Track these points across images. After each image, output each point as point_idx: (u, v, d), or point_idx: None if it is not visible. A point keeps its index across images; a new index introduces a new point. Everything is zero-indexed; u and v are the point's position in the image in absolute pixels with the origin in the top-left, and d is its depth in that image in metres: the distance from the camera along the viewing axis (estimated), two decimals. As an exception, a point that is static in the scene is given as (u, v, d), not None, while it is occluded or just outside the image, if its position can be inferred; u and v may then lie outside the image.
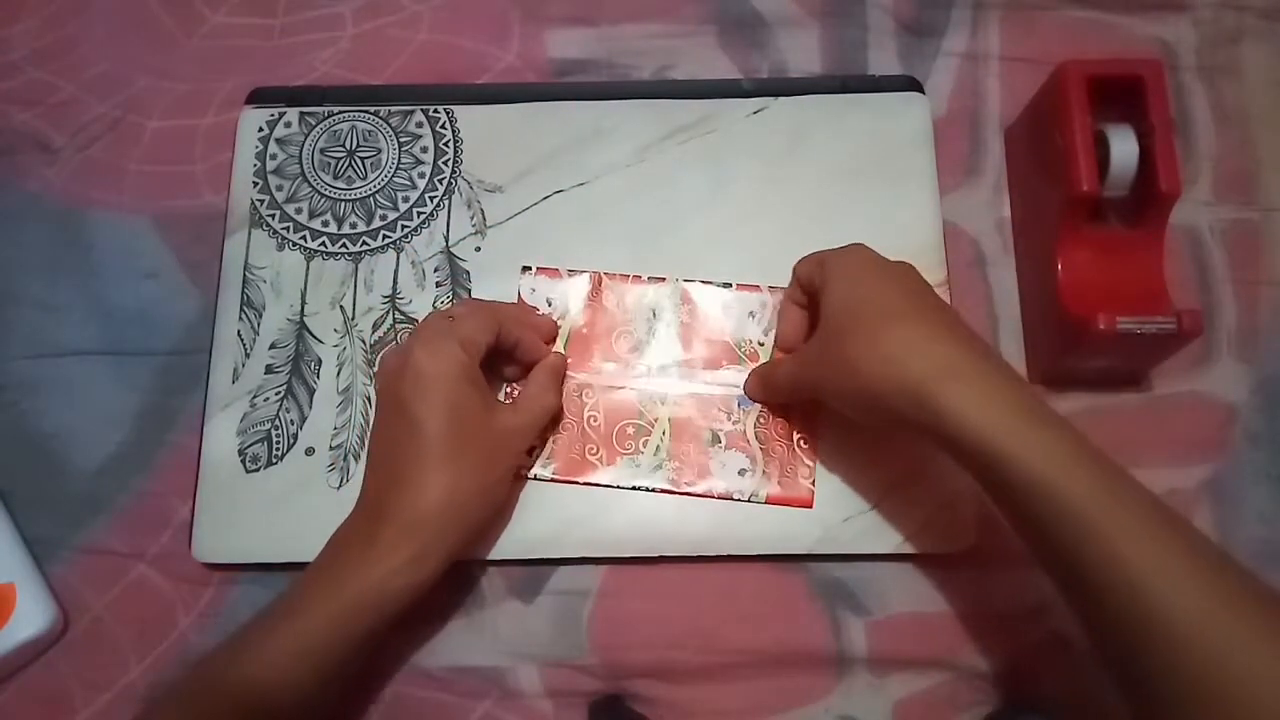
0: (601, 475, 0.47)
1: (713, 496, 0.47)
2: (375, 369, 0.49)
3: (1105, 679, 0.35)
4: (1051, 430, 0.36)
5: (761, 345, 0.49)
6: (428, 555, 0.40)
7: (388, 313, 0.50)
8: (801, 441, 0.47)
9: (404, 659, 0.46)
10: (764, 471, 0.47)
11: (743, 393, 0.48)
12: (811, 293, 0.45)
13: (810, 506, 0.46)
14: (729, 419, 0.48)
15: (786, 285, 0.48)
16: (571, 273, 0.50)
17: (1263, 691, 0.30)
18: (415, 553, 0.40)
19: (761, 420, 0.48)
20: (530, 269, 0.50)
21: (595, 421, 0.48)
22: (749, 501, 0.47)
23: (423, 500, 0.40)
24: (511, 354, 0.47)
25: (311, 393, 0.49)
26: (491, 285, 0.50)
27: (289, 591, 0.41)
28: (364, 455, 0.46)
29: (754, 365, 0.49)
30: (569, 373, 0.48)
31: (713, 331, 0.49)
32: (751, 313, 0.49)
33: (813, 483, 0.47)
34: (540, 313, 0.49)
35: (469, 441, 0.42)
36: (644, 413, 0.48)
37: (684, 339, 0.49)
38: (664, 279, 0.50)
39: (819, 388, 0.42)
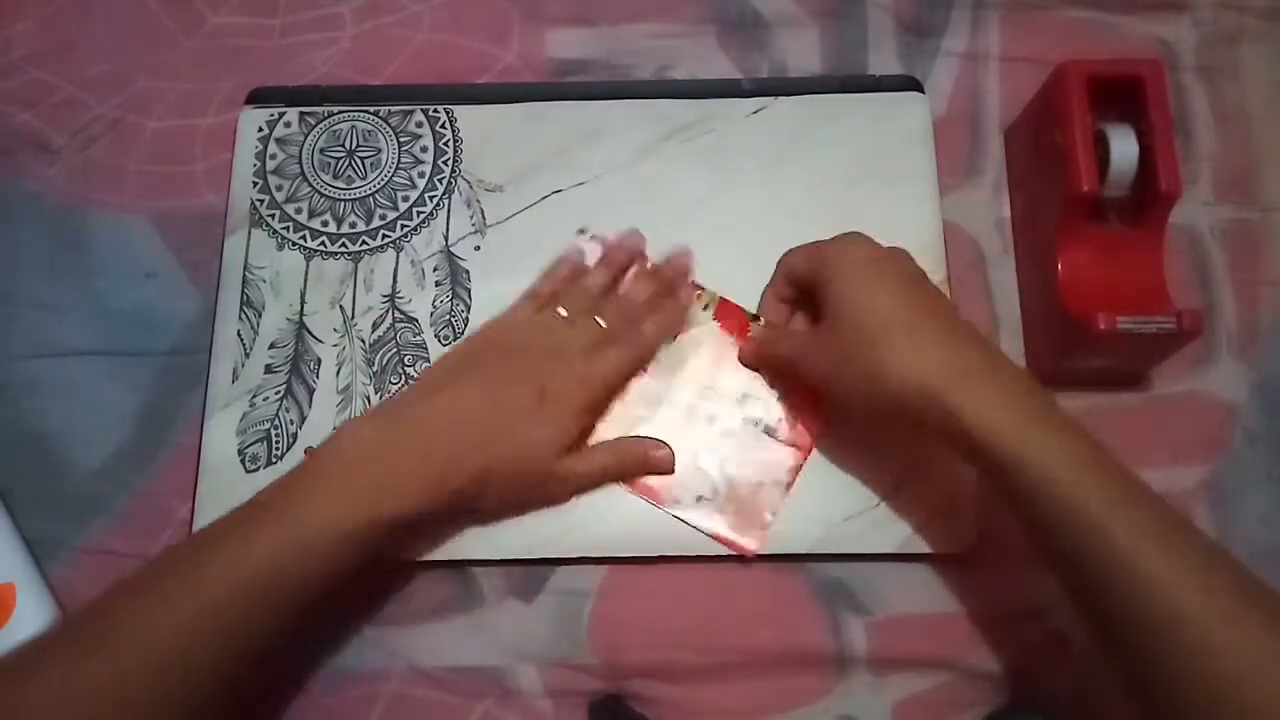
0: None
1: (671, 514, 0.46)
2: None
3: (1111, 681, 0.35)
4: (1067, 434, 0.36)
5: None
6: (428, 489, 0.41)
7: (387, 312, 0.50)
8: (775, 486, 0.47)
9: (404, 659, 0.46)
10: (720, 509, 0.46)
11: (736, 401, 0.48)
12: (807, 286, 0.45)
13: (749, 558, 0.46)
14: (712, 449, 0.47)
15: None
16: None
17: (1274, 699, 0.30)
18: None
19: (734, 461, 0.47)
20: (584, 232, 0.51)
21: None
22: (695, 529, 0.46)
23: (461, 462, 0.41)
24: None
25: (311, 392, 0.49)
26: (491, 285, 0.50)
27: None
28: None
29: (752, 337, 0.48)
30: None
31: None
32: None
33: (765, 532, 0.46)
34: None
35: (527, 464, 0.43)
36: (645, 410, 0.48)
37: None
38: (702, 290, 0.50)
39: (826, 381, 0.43)
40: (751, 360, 0.48)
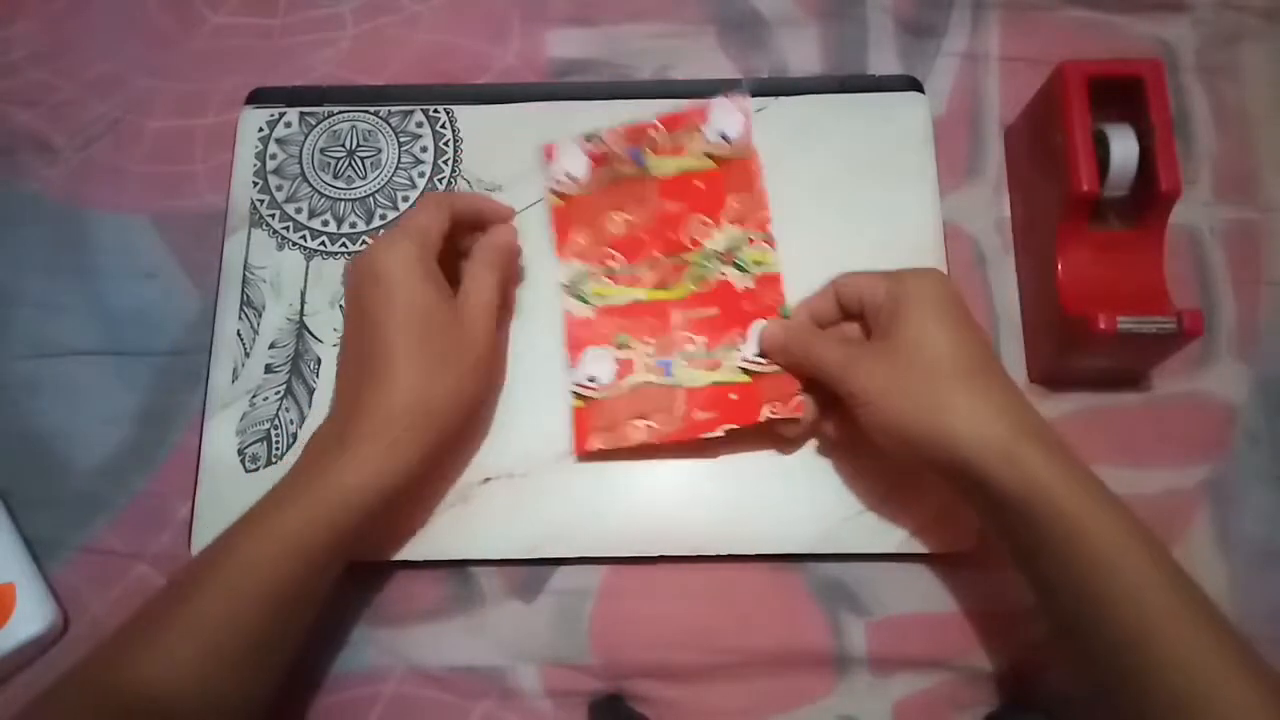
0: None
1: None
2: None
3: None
4: (1122, 512, 0.37)
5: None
6: (399, 449, 0.40)
7: (388, 313, 0.50)
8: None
9: (404, 659, 0.46)
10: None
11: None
12: (869, 310, 0.43)
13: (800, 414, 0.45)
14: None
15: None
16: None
17: None
18: (386, 445, 0.40)
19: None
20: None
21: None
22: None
23: (389, 398, 0.40)
24: (476, 228, 0.47)
25: (311, 392, 0.49)
26: (491, 285, 0.50)
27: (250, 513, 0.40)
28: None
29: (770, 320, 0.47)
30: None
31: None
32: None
33: (799, 398, 0.45)
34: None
35: (431, 336, 0.41)
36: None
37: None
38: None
39: (867, 398, 0.40)
40: (773, 347, 0.46)
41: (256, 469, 0.47)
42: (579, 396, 0.47)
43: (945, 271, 0.49)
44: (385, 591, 0.47)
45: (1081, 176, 0.44)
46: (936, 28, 0.56)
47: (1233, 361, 0.51)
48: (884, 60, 0.55)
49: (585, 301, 0.49)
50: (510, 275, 0.48)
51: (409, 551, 0.46)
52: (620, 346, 0.48)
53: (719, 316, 0.48)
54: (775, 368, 0.46)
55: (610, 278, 0.49)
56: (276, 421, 0.48)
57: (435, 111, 0.53)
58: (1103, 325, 0.43)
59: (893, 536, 0.46)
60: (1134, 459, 0.49)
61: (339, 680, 0.46)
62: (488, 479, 0.47)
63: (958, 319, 0.41)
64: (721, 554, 0.46)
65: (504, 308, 0.47)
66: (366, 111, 0.53)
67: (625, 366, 0.47)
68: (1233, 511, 0.49)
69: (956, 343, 0.40)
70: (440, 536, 0.46)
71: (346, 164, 0.52)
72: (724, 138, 0.49)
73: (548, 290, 0.49)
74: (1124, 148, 0.45)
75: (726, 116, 0.49)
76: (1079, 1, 0.56)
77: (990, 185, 0.53)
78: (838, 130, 0.52)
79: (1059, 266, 0.46)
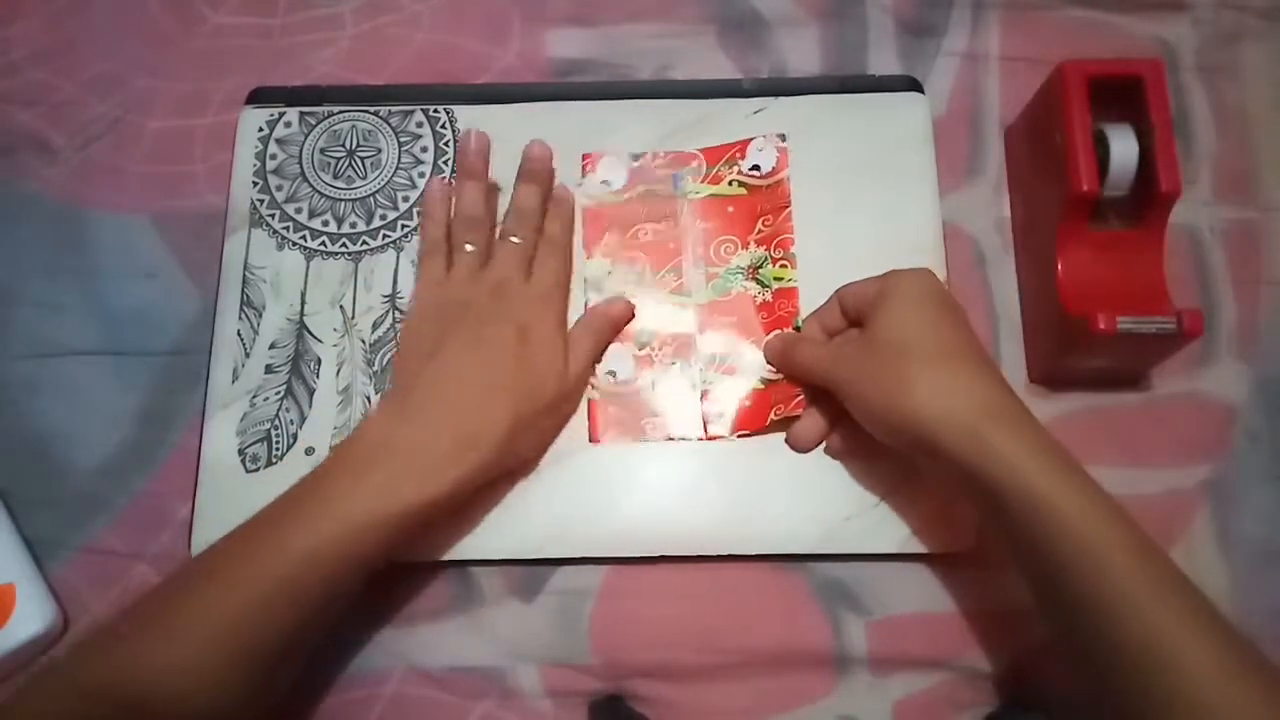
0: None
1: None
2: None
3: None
4: (1088, 483, 0.37)
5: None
6: (432, 479, 0.41)
7: (387, 312, 0.50)
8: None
9: (404, 659, 0.46)
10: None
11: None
12: (864, 311, 0.44)
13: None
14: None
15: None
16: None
17: None
18: (429, 469, 0.41)
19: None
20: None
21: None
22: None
23: (448, 435, 0.42)
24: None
25: (311, 392, 0.49)
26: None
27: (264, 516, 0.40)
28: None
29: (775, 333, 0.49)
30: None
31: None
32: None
33: (802, 398, 0.47)
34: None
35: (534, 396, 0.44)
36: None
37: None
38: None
39: (848, 386, 0.42)
40: (775, 357, 0.48)
41: (257, 469, 0.47)
42: (596, 389, 0.48)
43: (944, 271, 0.49)
44: (385, 591, 0.47)
45: (1081, 176, 0.44)
46: (936, 28, 0.56)
47: (1233, 361, 0.51)
48: (884, 60, 0.55)
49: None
50: (607, 344, 0.49)
51: (409, 552, 0.46)
52: (640, 346, 0.49)
53: (736, 324, 0.49)
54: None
55: (634, 278, 0.50)
56: (277, 422, 0.48)
57: (435, 111, 0.53)
58: (1103, 325, 0.43)
59: (893, 536, 0.46)
60: (1134, 459, 0.49)
61: (339, 680, 0.46)
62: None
63: (936, 306, 0.42)
64: (722, 554, 0.46)
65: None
66: (366, 111, 0.53)
67: (643, 363, 0.49)
68: (1233, 511, 0.48)
69: (927, 326, 0.41)
70: (440, 536, 0.46)
71: (346, 164, 0.52)
72: (756, 168, 0.51)
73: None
74: (1124, 148, 0.45)
75: (763, 152, 0.51)
76: (1079, 1, 0.56)
77: (990, 185, 0.53)
78: (837, 130, 0.52)
79: (1059, 266, 0.46)
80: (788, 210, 0.50)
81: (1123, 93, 0.45)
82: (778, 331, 0.48)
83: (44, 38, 0.56)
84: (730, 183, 0.51)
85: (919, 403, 0.39)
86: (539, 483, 0.47)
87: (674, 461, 0.48)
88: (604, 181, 0.51)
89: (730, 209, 0.51)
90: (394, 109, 0.53)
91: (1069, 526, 0.35)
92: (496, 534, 0.46)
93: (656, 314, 0.49)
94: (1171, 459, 0.49)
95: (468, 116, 0.53)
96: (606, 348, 0.49)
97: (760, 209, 0.51)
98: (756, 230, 0.50)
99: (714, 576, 0.47)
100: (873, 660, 0.46)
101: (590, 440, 0.48)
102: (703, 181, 0.51)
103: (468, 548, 0.46)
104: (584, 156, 0.52)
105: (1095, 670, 0.36)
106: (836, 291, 0.47)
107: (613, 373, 0.49)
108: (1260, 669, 0.33)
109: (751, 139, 0.51)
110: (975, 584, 0.47)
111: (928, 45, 0.56)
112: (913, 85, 0.53)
